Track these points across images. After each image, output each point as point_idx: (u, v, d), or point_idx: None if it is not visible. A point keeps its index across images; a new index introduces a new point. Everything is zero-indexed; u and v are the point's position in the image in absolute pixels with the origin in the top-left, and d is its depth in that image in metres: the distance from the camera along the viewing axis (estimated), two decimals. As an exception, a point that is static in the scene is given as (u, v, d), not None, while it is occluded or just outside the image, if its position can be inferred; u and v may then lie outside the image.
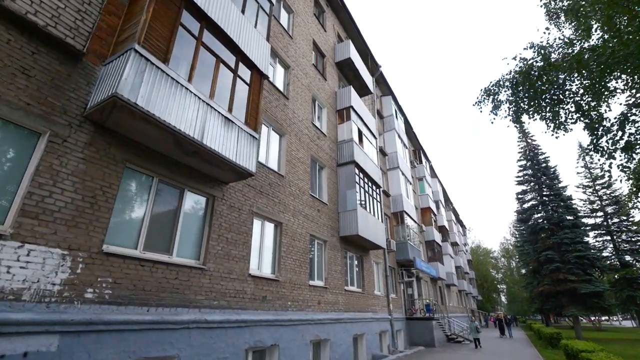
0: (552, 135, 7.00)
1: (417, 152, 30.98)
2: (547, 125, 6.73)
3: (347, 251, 13.19)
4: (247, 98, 7.81)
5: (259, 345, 7.48)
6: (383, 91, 23.82)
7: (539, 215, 27.98)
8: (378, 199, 15.60)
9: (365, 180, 14.40)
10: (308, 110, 12.35)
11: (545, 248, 26.27)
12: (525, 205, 29.42)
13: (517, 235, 49.61)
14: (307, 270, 9.95)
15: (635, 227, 26.39)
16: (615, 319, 72.60)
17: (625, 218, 27.40)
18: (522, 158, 30.61)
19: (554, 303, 25.62)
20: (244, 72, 7.89)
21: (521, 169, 30.32)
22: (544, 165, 28.90)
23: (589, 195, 29.79)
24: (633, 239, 26.35)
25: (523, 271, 51.42)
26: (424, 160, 31.15)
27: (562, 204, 26.82)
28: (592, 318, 37.95)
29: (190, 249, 6.61)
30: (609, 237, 27.76)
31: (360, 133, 15.28)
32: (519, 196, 29.87)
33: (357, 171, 13.55)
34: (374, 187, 15.25)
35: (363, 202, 13.58)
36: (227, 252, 7.22)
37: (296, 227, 9.93)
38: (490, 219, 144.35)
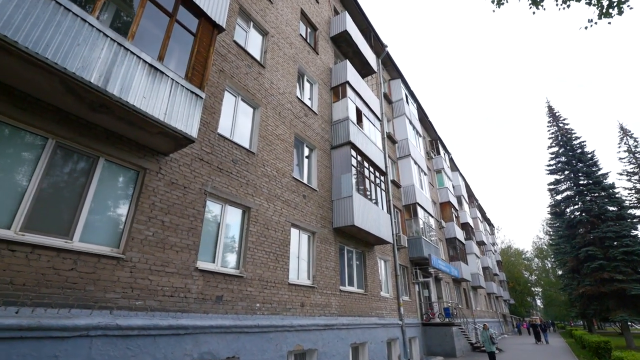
0: (601, 19, 4.62)
1: (434, 142, 28.62)
2: (590, 3, 4.58)
3: (345, 246, 11.40)
4: (192, 50, 6.30)
5: (208, 359, 5.85)
6: (392, 75, 21.88)
7: (575, 207, 24.85)
8: (383, 188, 13.70)
9: (365, 164, 12.57)
10: (292, 83, 10.75)
11: (585, 244, 23.15)
12: (559, 197, 26.30)
13: (552, 233, 45.60)
14: (286, 265, 8.27)
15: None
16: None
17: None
18: (553, 144, 27.44)
19: (598, 306, 22.44)
20: (188, 20, 6.40)
21: (553, 156, 27.17)
22: (579, 151, 25.70)
23: (635, 183, 26.23)
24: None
25: (559, 272, 47.19)
26: (442, 151, 28.74)
27: (603, 193, 23.63)
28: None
29: (103, 233, 5.11)
30: (662, 230, 24.18)
31: (359, 113, 13.49)
32: (552, 187, 26.75)
33: (354, 153, 11.77)
34: (376, 174, 13.38)
35: (361, 189, 11.76)
36: (163, 239, 5.68)
37: (271, 213, 8.29)
38: (521, 218, 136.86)
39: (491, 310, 36.48)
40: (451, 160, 32.75)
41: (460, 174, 35.04)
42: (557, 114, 28.14)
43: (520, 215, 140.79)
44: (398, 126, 19.99)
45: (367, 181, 12.38)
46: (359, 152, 12.12)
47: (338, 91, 13.13)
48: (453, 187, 31.24)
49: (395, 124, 20.16)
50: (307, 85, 12.12)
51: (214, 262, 6.69)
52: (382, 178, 13.93)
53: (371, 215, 11.70)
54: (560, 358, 15.79)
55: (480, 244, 38.21)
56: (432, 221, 19.58)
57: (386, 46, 19.24)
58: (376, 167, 13.41)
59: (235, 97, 8.47)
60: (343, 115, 12.43)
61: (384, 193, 13.73)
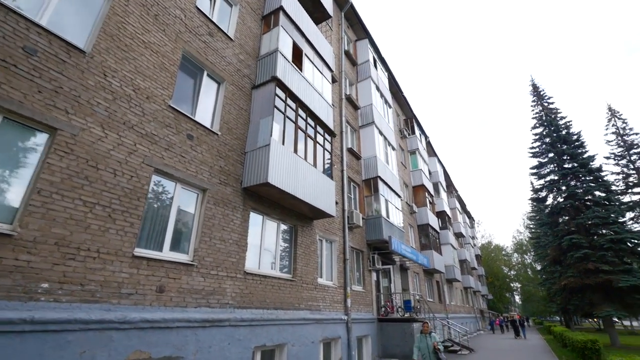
0: None
1: (409, 121, 26.02)
2: None
3: (264, 215, 8.53)
4: None
5: None
6: (358, 35, 19.05)
7: (559, 191, 22.64)
8: (328, 149, 10.87)
9: (301, 114, 9.69)
10: (189, -13, 7.74)
11: (568, 232, 20.95)
12: (542, 182, 24.11)
13: (532, 226, 44.01)
14: (131, 228, 5.33)
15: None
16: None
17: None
18: (537, 125, 25.15)
19: (580, 300, 20.30)
20: None
21: (537, 137, 24.90)
22: (564, 132, 23.46)
23: (623, 167, 24.27)
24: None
25: (538, 267, 45.74)
26: (417, 131, 26.15)
27: (589, 177, 21.47)
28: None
29: None
30: (650, 218, 22.29)
31: (298, 51, 10.62)
32: (534, 171, 24.53)
33: (281, 94, 8.87)
34: (319, 130, 10.54)
35: (290, 142, 8.89)
36: None
37: (110, 147, 5.31)
38: (503, 215, 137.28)
39: (467, 305, 34.42)
40: (428, 144, 30.26)
41: (439, 160, 32.67)
42: (541, 93, 25.87)
43: (503, 213, 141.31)
44: (362, 91, 17.19)
45: (301, 134, 9.51)
46: (290, 94, 9.23)
47: (270, 21, 10.19)
48: (430, 172, 28.84)
49: (359, 88, 17.35)
50: (222, 3, 9.12)
51: (-63, 206, 3.68)
52: (328, 138, 11.09)
53: (304, 178, 8.87)
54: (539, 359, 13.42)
55: (459, 235, 36.09)
56: (398, 202, 16.91)
57: (350, -4, 16.40)
58: (319, 122, 10.56)
59: (59, -35, 5.42)
60: (272, 47, 9.52)
61: (329, 155, 10.91)
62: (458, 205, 40.07)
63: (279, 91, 8.81)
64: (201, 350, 5.87)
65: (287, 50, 9.88)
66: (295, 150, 8.93)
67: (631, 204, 22.89)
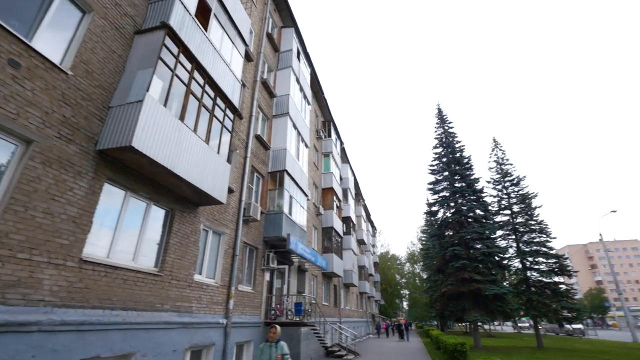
0: None
1: (327, 124, 26.01)
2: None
3: (127, 190, 6.76)
4: None
5: None
6: (285, 22, 18.13)
7: (449, 207, 25.10)
8: (227, 127, 9.51)
9: (198, 78, 8.19)
10: None
11: (452, 243, 23.26)
12: (436, 197, 26.48)
13: (424, 238, 48.61)
14: None
15: (537, 227, 25.09)
16: (497, 323, 78.40)
17: (528, 217, 26.14)
18: (438, 145, 27.76)
19: (455, 306, 22.56)
20: None
21: (436, 156, 27.44)
22: (458, 154, 26.32)
23: (499, 192, 28.28)
24: (534, 240, 25.00)
25: (425, 276, 50.81)
26: (334, 135, 26.29)
27: (473, 197, 24.29)
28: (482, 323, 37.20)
29: None
30: (513, 237, 26.20)
31: (205, 7, 9.12)
32: (431, 186, 26.86)
33: (172, 46, 7.29)
34: (219, 101, 9.13)
35: (177, 105, 7.35)
36: None
37: None
38: (402, 228, 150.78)
39: (361, 310, 35.86)
40: (343, 150, 30.83)
41: (351, 168, 33.60)
42: (444, 117, 28.70)
43: (402, 225, 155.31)
44: (281, 79, 16.21)
45: (194, 102, 8.00)
46: (185, 51, 7.68)
47: (172, -38, 8.48)
48: (341, 177, 29.31)
49: (278, 76, 16.33)
50: None
51: None
52: (230, 115, 9.74)
53: (189, 152, 7.39)
54: (416, 363, 14.02)
55: (361, 242, 37.59)
56: (304, 200, 16.28)
57: (279, -24, 15.36)
58: (221, 95, 9.16)
59: None
60: (169, -9, 7.85)
61: (229, 135, 9.56)
62: (363, 214, 41.91)
63: (169, 42, 7.21)
64: (-25, 368, 3.98)
65: (191, 2, 8.30)
66: (182, 118, 7.40)
67: (501, 223, 26.67)
